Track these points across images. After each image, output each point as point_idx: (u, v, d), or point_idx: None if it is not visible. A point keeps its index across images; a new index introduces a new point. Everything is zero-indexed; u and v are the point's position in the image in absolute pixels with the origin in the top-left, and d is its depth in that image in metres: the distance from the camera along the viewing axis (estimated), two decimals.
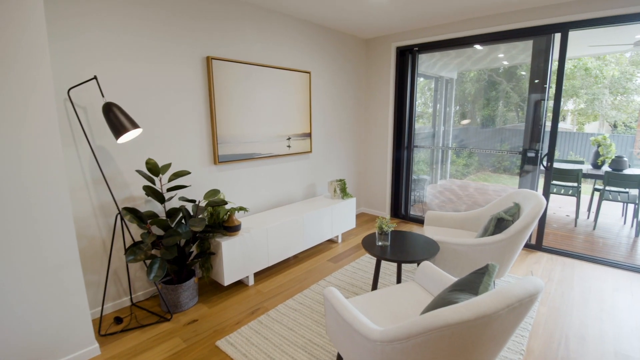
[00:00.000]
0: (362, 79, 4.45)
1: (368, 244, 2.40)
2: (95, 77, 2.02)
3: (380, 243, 2.37)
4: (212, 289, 2.77)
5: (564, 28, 3.08)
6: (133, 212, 2.24)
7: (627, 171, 4.13)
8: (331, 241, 3.76)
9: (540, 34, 3.26)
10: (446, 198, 5.47)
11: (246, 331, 2.23)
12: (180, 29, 2.55)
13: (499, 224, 2.38)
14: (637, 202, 3.99)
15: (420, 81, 5.02)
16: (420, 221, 4.43)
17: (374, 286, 2.43)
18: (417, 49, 4.02)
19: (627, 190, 4.23)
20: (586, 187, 4.81)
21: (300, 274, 3.01)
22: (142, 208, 2.52)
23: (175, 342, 2.13)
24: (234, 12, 2.87)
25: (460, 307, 1.15)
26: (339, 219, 3.59)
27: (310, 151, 3.73)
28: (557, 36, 3.16)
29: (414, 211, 4.72)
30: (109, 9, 2.18)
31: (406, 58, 4.14)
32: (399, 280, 2.41)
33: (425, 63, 4.87)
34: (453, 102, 5.74)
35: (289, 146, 3.46)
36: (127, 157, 2.39)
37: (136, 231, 2.49)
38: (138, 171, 2.24)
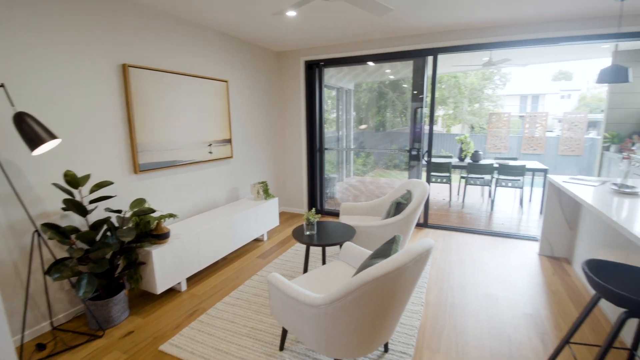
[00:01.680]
0: (276, 88, 4.77)
1: (298, 234, 2.74)
2: (2, 85, 1.87)
3: (308, 232, 2.73)
4: (143, 300, 2.72)
5: (435, 52, 3.95)
6: (54, 228, 2.11)
7: (482, 162, 5.39)
8: (258, 240, 3.97)
9: (417, 56, 4.09)
10: (352, 193, 6.18)
11: (188, 332, 2.31)
12: (96, 36, 2.46)
13: (398, 207, 2.99)
14: (489, 185, 5.26)
15: (325, 91, 5.58)
16: (334, 214, 4.96)
17: (305, 270, 2.77)
18: (322, 63, 4.53)
19: (482, 176, 5.53)
20: (455, 176, 6.08)
21: (232, 273, 3.16)
22: (60, 223, 2.35)
23: (114, 356, 2.10)
24: (154, 22, 2.87)
25: (382, 264, 1.57)
26: (263, 218, 3.83)
27: (232, 156, 3.88)
28: (430, 58, 4.03)
29: (328, 206, 5.25)
30: (21, 14, 2.02)
31: (314, 71, 4.62)
32: (324, 262, 2.80)
33: (330, 75, 5.45)
34: (352, 109, 6.49)
35: (210, 152, 3.56)
36: (39, 171, 2.22)
37: (57, 249, 2.32)
38: (55, 184, 2.13)
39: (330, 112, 6.25)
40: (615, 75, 2.81)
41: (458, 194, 6.17)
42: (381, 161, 7.86)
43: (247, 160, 4.24)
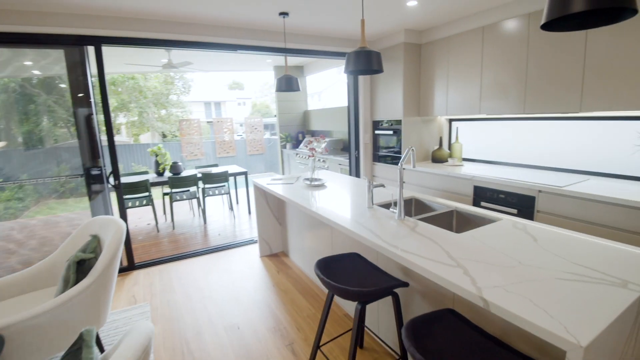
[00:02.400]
0: None
1: None
2: None
3: None
4: None
5: (97, 41, 2.94)
6: None
7: (185, 174, 4.93)
8: None
9: (72, 44, 2.90)
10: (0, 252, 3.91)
11: None
12: None
13: (81, 268, 1.91)
14: (197, 196, 4.89)
15: None
16: None
17: None
18: None
19: (188, 189, 5.08)
20: (157, 192, 5.28)
21: None
22: None
23: None
24: None
25: None
26: None
27: None
28: (91, 49, 2.97)
29: None
30: None
31: None
32: None
33: None
34: None
35: None
36: None
37: None
38: None
39: None
40: (289, 84, 3.11)
41: (165, 214, 5.42)
42: (47, 189, 5.60)
43: None
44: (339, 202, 2.38)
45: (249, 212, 5.36)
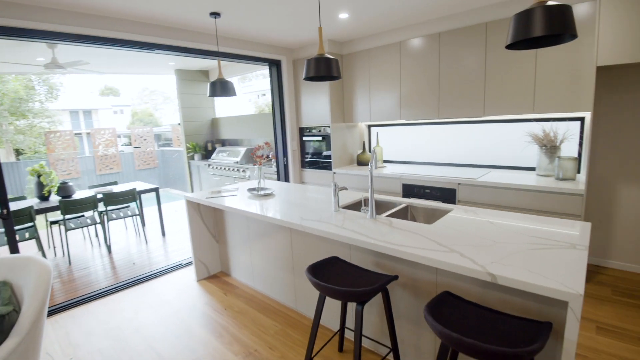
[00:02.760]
0: None
1: None
2: None
3: None
4: None
5: None
6: None
7: (77, 195, 4.08)
8: None
9: None
10: None
11: None
12: None
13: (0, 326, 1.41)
14: (97, 222, 4.09)
15: None
16: None
17: None
18: None
19: (83, 214, 4.21)
20: (40, 222, 4.23)
21: None
22: None
23: None
24: None
25: None
26: None
27: None
28: None
29: None
30: None
31: None
32: None
33: None
34: None
35: None
36: None
37: None
38: None
39: None
40: (224, 89, 2.91)
41: (54, 247, 4.37)
42: None
43: None
44: (301, 209, 2.35)
45: (163, 234, 4.76)
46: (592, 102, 2.41)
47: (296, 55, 4.24)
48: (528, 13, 1.29)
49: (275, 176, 4.65)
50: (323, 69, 2.08)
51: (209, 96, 2.92)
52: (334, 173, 4.13)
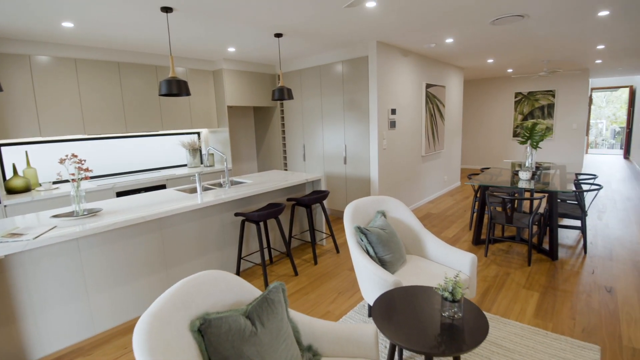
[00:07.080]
0: None
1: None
2: None
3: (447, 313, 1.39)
4: None
5: None
6: None
7: None
8: None
9: None
10: None
11: None
12: None
13: None
14: None
15: None
16: None
17: None
18: None
19: None
20: None
21: None
22: None
23: None
24: None
25: None
26: None
27: None
28: None
29: None
30: None
31: None
32: None
33: None
34: None
35: None
36: None
37: None
38: None
39: None
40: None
41: None
42: None
43: None
44: (170, 203, 2.72)
45: None
46: (227, 121, 4.78)
47: None
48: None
49: None
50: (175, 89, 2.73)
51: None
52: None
